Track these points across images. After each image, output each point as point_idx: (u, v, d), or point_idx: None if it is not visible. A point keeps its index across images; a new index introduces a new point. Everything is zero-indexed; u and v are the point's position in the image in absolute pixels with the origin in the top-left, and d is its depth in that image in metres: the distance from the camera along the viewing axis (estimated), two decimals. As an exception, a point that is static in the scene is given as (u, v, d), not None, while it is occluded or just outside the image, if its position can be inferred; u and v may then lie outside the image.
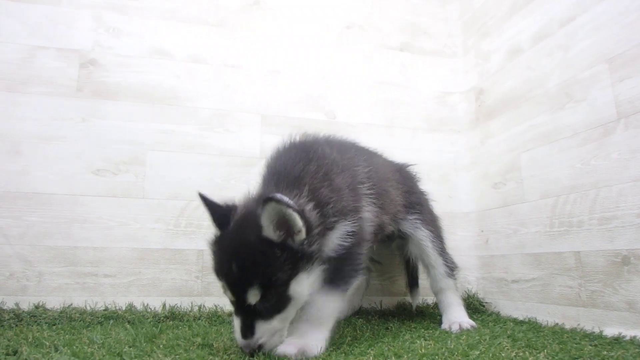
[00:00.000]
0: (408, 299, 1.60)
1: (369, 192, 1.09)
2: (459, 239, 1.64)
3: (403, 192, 1.33)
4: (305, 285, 0.89)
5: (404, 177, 1.40)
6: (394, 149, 1.44)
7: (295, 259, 0.87)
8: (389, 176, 1.30)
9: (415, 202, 1.37)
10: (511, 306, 1.52)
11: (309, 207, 0.92)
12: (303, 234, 0.87)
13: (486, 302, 1.61)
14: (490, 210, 1.66)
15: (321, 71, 1.71)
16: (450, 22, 1.88)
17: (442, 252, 1.34)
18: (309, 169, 0.98)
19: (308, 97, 1.67)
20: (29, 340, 0.97)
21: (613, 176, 1.19)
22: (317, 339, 0.91)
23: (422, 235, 1.33)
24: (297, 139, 1.10)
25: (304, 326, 0.93)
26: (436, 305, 1.54)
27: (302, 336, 0.91)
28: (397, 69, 1.78)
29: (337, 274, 0.96)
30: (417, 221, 1.34)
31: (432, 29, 1.85)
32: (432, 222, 1.38)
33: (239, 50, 1.64)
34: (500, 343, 1.02)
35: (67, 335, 1.03)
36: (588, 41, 1.29)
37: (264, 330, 0.87)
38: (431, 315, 1.49)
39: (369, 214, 1.07)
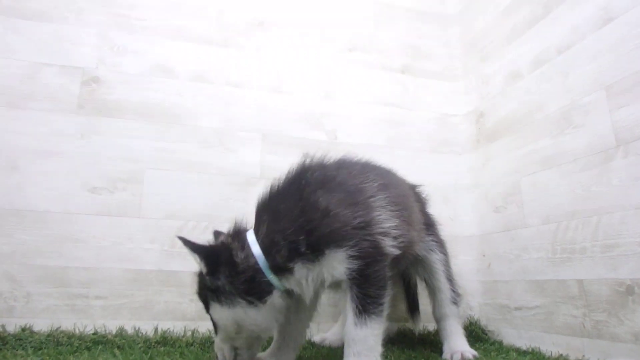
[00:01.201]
0: (409, 325, 1.54)
1: (385, 204, 1.01)
2: (461, 263, 1.60)
3: (420, 211, 1.30)
4: (220, 313, 0.98)
5: (417, 197, 1.37)
6: (396, 170, 1.42)
7: (209, 289, 0.98)
8: (408, 192, 1.27)
9: (428, 223, 1.34)
10: (514, 334, 1.47)
11: (241, 244, 0.98)
12: (204, 270, 0.97)
13: (489, 330, 1.55)
14: (491, 235, 1.63)
15: (323, 91, 1.71)
16: (450, 45, 1.90)
17: (450, 277, 1.31)
18: (276, 205, 1.00)
19: (310, 117, 1.66)
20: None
21: (614, 203, 1.17)
22: None
23: (435, 258, 1.29)
24: (295, 167, 1.06)
25: None
26: (437, 333, 1.49)
27: None
28: (399, 90, 1.79)
29: (363, 301, 0.93)
30: (433, 243, 1.30)
31: (433, 51, 1.87)
32: (443, 246, 1.35)
33: (243, 69, 1.64)
34: None
35: (51, 362, 0.97)
36: (586, 68, 1.30)
37: (215, 347, 1.04)
38: (432, 343, 1.44)
39: (389, 224, 1.00)
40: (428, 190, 1.46)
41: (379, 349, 0.95)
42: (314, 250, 0.93)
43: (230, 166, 1.53)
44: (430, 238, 1.31)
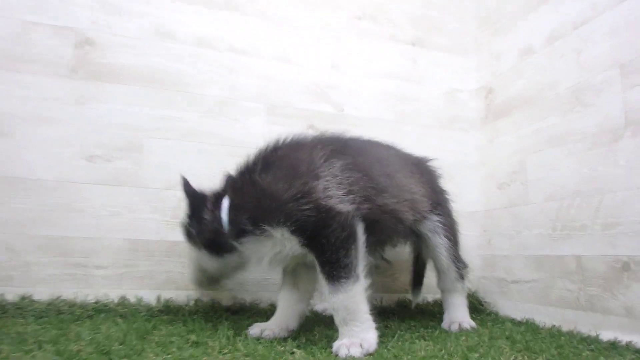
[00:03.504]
0: (409, 296, 1.54)
1: (336, 171, 0.98)
2: (463, 239, 1.56)
3: (422, 184, 1.22)
4: (190, 252, 1.15)
5: (422, 171, 1.28)
6: (403, 145, 1.36)
7: (187, 230, 1.14)
8: (391, 161, 1.19)
9: (437, 201, 1.27)
10: (510, 306, 1.48)
11: (216, 205, 1.05)
12: (187, 212, 1.13)
13: (485, 302, 1.56)
14: (494, 211, 1.61)
15: (330, 61, 1.61)
16: (464, 18, 1.80)
17: (456, 258, 1.27)
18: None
19: (316, 88, 1.57)
20: (12, 335, 0.86)
21: (619, 183, 1.15)
22: (364, 331, 0.91)
23: (438, 242, 1.24)
24: (265, 145, 1.09)
25: (344, 329, 0.92)
26: (436, 304, 1.49)
27: (351, 336, 0.90)
28: (408, 63, 1.70)
29: (330, 267, 0.90)
30: (438, 226, 1.24)
31: (445, 24, 1.77)
32: (451, 228, 1.28)
33: (247, 35, 1.53)
34: (499, 346, 0.98)
35: (53, 331, 0.93)
36: (601, 45, 1.24)
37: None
38: (431, 313, 1.44)
39: (339, 190, 0.96)
40: (435, 165, 1.40)
41: (363, 309, 0.92)
42: (258, 228, 0.95)
43: (233, 137, 1.45)
44: (437, 219, 1.25)
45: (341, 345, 0.87)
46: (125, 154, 1.35)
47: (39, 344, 0.81)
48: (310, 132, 1.50)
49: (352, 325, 0.90)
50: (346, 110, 1.58)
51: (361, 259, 0.92)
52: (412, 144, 1.40)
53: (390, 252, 1.46)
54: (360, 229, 0.94)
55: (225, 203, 1.02)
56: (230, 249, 1.03)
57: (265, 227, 0.93)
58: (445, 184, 1.37)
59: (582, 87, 1.28)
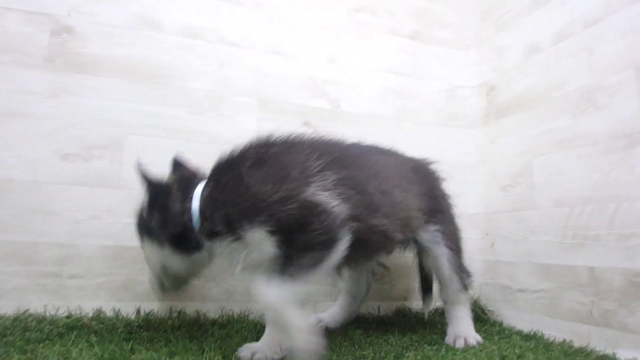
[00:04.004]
0: (407, 304, 1.45)
1: (330, 186, 0.90)
2: (464, 242, 1.49)
3: (419, 195, 1.13)
4: (149, 251, 1.00)
5: (421, 177, 1.19)
6: (401, 143, 1.27)
7: (145, 223, 0.99)
8: (391, 175, 1.09)
9: (436, 209, 1.18)
10: (515, 316, 1.39)
11: (184, 194, 0.94)
12: (145, 201, 0.98)
13: (488, 310, 1.48)
14: (497, 214, 1.52)
15: (327, 55, 1.51)
16: (465, 12, 1.71)
17: (459, 269, 1.18)
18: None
19: (312, 83, 1.47)
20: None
21: (635, 191, 1.07)
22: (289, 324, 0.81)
23: (439, 252, 1.16)
24: (252, 140, 0.98)
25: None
26: (437, 312, 1.40)
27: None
28: (408, 58, 1.61)
29: (287, 261, 0.83)
30: (438, 235, 1.15)
31: (445, 17, 1.68)
32: (452, 237, 1.19)
33: (239, 26, 1.42)
34: None
35: (15, 355, 0.81)
36: (615, 45, 1.16)
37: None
38: (432, 323, 1.34)
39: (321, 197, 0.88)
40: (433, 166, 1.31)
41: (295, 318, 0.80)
42: (234, 229, 0.86)
43: (224, 134, 1.34)
44: (435, 228, 1.16)
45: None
46: (105, 152, 1.23)
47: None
48: (305, 129, 1.40)
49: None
50: (343, 106, 1.48)
51: (324, 272, 0.84)
52: (411, 142, 1.32)
53: (391, 257, 1.36)
54: (343, 242, 0.85)
55: (198, 192, 0.91)
56: (200, 247, 0.92)
57: (242, 229, 0.85)
58: (445, 184, 1.28)
59: (594, 89, 1.20)
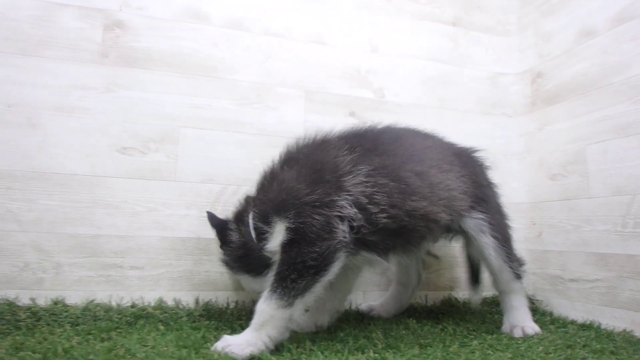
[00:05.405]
0: (454, 293, 1.42)
1: (354, 183, 0.93)
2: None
3: (461, 177, 1.09)
4: (235, 277, 1.10)
5: (463, 162, 1.14)
6: (443, 132, 1.23)
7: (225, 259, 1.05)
8: (427, 156, 1.06)
9: (481, 197, 1.13)
10: (567, 305, 1.35)
11: (242, 222, 0.99)
12: (219, 242, 1.05)
13: (536, 300, 1.43)
14: (545, 203, 1.47)
15: (369, 44, 1.47)
16: (505, -3, 1.63)
17: (509, 257, 1.13)
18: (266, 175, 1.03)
19: (355, 73, 1.44)
20: (58, 352, 0.75)
21: None
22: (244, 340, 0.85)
23: (485, 242, 1.11)
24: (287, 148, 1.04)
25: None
26: (485, 302, 1.37)
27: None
28: (449, 45, 1.55)
29: (277, 275, 0.87)
30: (483, 224, 1.11)
31: (486, 2, 1.62)
32: (499, 226, 1.14)
33: (283, 17, 1.39)
34: (583, 357, 0.88)
35: (98, 344, 0.81)
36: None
37: None
38: (481, 313, 1.31)
39: (348, 204, 0.91)
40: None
41: (274, 331, 0.85)
42: (269, 224, 0.92)
43: (271, 126, 1.33)
44: (480, 217, 1.11)
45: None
46: (161, 146, 1.23)
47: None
48: (351, 120, 1.37)
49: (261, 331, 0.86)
50: (387, 95, 1.44)
51: (310, 292, 0.87)
52: (453, 130, 1.28)
53: (438, 246, 1.34)
54: (334, 266, 0.88)
55: (251, 215, 0.97)
56: (268, 264, 0.94)
57: (274, 221, 0.90)
58: (490, 172, 1.23)
59: (658, 72, 1.14)
